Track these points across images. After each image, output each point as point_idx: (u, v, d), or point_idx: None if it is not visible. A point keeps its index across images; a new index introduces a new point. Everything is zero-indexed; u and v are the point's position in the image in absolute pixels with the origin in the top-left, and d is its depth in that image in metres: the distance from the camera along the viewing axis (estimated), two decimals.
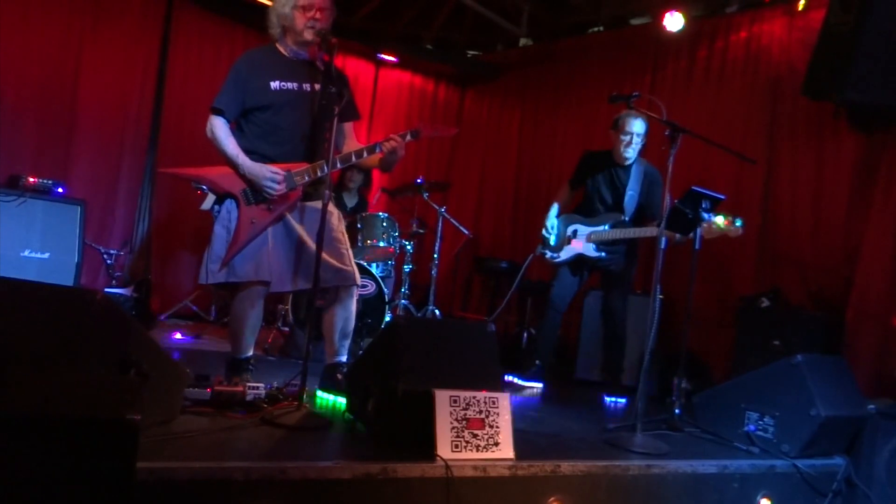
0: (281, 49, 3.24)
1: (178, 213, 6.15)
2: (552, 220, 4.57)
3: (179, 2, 6.13)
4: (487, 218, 7.16)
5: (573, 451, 2.87)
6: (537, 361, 4.51)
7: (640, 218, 4.42)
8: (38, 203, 4.81)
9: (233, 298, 3.26)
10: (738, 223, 3.77)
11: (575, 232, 4.48)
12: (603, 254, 4.39)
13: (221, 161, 3.13)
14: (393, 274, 5.60)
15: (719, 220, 3.72)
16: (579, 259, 4.46)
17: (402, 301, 5.56)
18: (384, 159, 3.19)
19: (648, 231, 4.21)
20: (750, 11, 5.33)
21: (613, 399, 4.34)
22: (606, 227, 4.37)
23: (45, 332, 1.83)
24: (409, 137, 3.16)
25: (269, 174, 3.05)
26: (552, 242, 4.54)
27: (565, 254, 4.49)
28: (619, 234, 4.32)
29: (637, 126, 4.25)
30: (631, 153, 4.32)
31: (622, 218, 4.38)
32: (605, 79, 6.17)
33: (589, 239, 4.40)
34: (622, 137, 4.28)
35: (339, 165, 3.15)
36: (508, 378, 4.41)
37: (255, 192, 3.09)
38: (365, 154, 3.15)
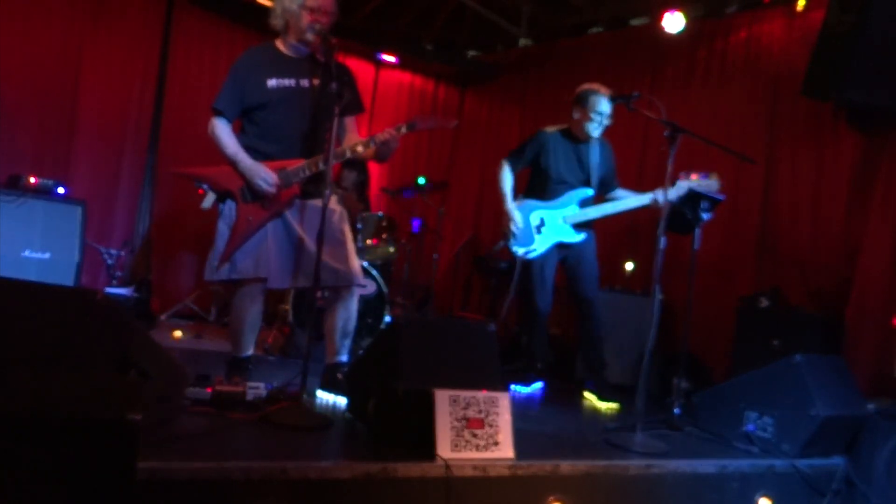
0: (280, 45, 3.24)
1: (178, 213, 6.15)
2: (517, 212, 4.16)
3: (180, 2, 6.13)
4: (487, 218, 7.16)
5: (573, 451, 2.87)
6: (539, 365, 4.34)
7: (601, 192, 4.29)
8: (39, 203, 4.81)
9: (233, 296, 3.27)
10: (712, 177, 3.76)
11: (542, 220, 4.17)
12: (584, 235, 4.16)
13: (223, 160, 3.15)
14: (393, 274, 5.60)
15: (693, 176, 3.76)
16: (556, 248, 4.18)
17: (402, 301, 5.56)
18: (378, 151, 3.18)
19: (636, 201, 4.08)
20: (749, 12, 5.33)
21: (606, 403, 4.11)
22: (576, 207, 4.16)
23: (45, 332, 1.84)
24: (404, 130, 3.14)
25: (262, 174, 3.06)
26: (523, 235, 4.14)
27: (541, 245, 4.14)
28: (599, 211, 4.13)
29: (608, 107, 4.10)
30: (599, 133, 4.17)
31: (589, 194, 4.20)
32: (605, 79, 6.07)
33: (564, 223, 4.15)
34: (593, 116, 4.08)
35: (334, 161, 3.14)
36: (513, 390, 4.18)
37: (252, 189, 3.10)
38: (360, 149, 3.14)
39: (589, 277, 4.22)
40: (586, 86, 4.17)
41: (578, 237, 4.18)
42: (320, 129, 3.19)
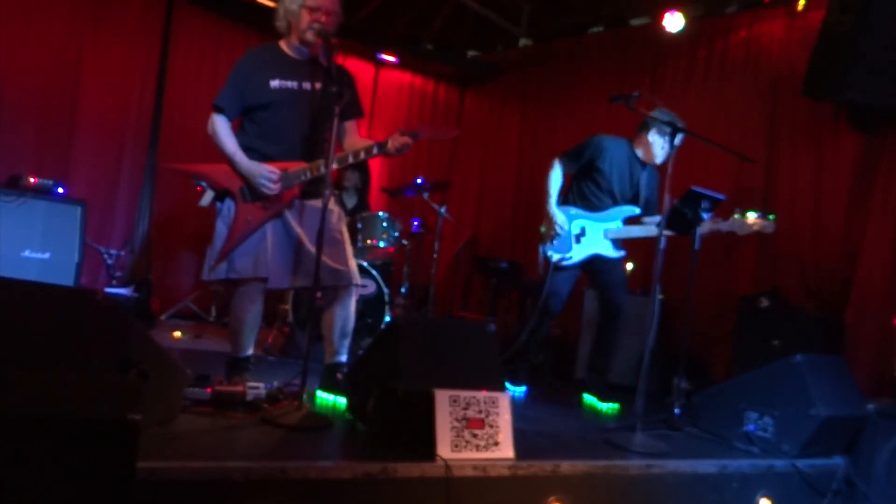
0: (284, 47, 3.24)
1: (178, 212, 6.15)
2: (561, 214, 4.03)
3: (179, 2, 6.13)
4: (487, 218, 7.17)
5: (573, 451, 2.88)
6: (529, 360, 4.28)
7: (643, 214, 4.19)
8: (39, 203, 4.81)
9: (232, 296, 3.27)
10: (771, 217, 3.70)
11: (583, 229, 4.06)
12: (623, 252, 4.08)
13: (222, 158, 3.15)
14: (393, 274, 5.60)
15: (751, 216, 3.68)
16: (591, 259, 4.07)
17: (402, 301, 5.56)
18: (389, 154, 3.17)
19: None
20: (750, 12, 5.33)
21: (608, 406, 4.07)
22: (620, 223, 4.08)
23: (45, 332, 1.83)
24: (409, 140, 3.15)
25: (264, 172, 3.06)
26: (561, 241, 4.03)
27: (578, 254, 4.04)
28: (642, 231, 4.03)
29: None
30: (662, 161, 4.06)
31: (635, 212, 4.11)
32: (605, 79, 6.17)
33: (605, 237, 4.05)
34: (667, 148, 3.87)
35: (337, 165, 3.14)
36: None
37: (251, 189, 3.11)
38: (362, 155, 3.14)
39: (620, 284, 4.15)
40: (667, 114, 3.84)
41: (616, 253, 4.08)
42: (320, 132, 3.19)
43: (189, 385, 2.64)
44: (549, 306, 4.13)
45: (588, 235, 4.08)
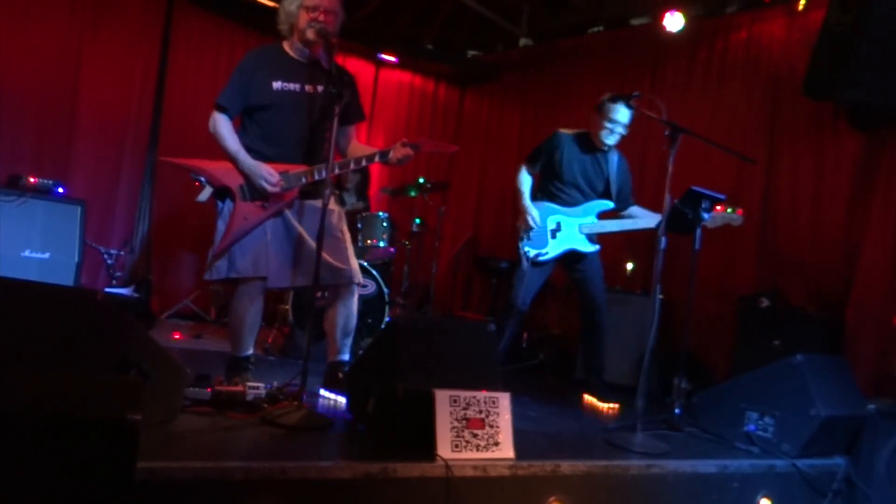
0: (287, 48, 3.25)
1: (178, 212, 6.15)
2: (535, 209, 4.10)
3: (179, 2, 6.13)
4: (487, 218, 7.16)
5: (573, 451, 2.87)
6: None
7: (617, 207, 4.24)
8: (39, 203, 4.81)
9: (232, 296, 3.27)
10: (730, 211, 3.82)
11: (559, 224, 4.12)
12: (598, 246, 4.14)
13: (222, 157, 3.16)
14: (393, 274, 5.60)
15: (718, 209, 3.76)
16: (567, 254, 4.13)
17: (402, 301, 5.56)
18: (390, 163, 3.18)
19: (653, 221, 4.01)
20: (750, 11, 5.32)
21: (607, 405, 4.07)
22: (594, 218, 4.14)
23: (45, 332, 1.83)
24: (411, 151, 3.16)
25: (264, 173, 3.07)
26: (538, 237, 4.08)
27: (554, 250, 4.09)
28: (616, 225, 4.10)
29: (624, 116, 4.03)
30: (612, 141, 4.11)
31: (609, 206, 4.17)
32: (605, 79, 6.16)
33: (580, 231, 4.11)
34: (606, 125, 4.03)
35: (337, 171, 3.15)
36: None
37: (251, 188, 3.11)
38: (364, 162, 3.16)
39: (599, 283, 4.20)
40: (608, 93, 4.03)
41: (591, 248, 4.14)
42: (321, 135, 3.20)
43: (189, 385, 2.64)
44: (519, 303, 4.13)
45: (563, 230, 4.13)
